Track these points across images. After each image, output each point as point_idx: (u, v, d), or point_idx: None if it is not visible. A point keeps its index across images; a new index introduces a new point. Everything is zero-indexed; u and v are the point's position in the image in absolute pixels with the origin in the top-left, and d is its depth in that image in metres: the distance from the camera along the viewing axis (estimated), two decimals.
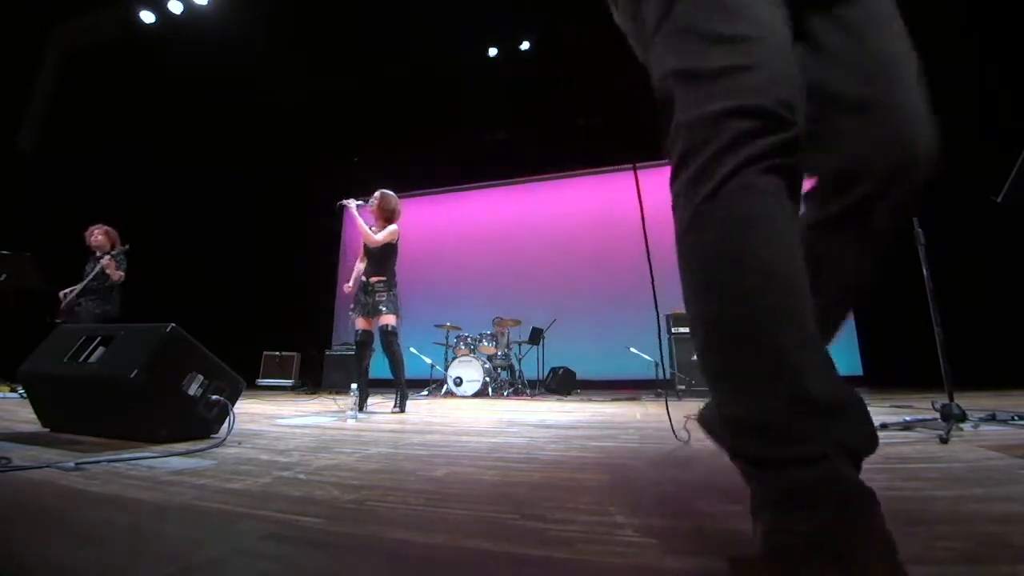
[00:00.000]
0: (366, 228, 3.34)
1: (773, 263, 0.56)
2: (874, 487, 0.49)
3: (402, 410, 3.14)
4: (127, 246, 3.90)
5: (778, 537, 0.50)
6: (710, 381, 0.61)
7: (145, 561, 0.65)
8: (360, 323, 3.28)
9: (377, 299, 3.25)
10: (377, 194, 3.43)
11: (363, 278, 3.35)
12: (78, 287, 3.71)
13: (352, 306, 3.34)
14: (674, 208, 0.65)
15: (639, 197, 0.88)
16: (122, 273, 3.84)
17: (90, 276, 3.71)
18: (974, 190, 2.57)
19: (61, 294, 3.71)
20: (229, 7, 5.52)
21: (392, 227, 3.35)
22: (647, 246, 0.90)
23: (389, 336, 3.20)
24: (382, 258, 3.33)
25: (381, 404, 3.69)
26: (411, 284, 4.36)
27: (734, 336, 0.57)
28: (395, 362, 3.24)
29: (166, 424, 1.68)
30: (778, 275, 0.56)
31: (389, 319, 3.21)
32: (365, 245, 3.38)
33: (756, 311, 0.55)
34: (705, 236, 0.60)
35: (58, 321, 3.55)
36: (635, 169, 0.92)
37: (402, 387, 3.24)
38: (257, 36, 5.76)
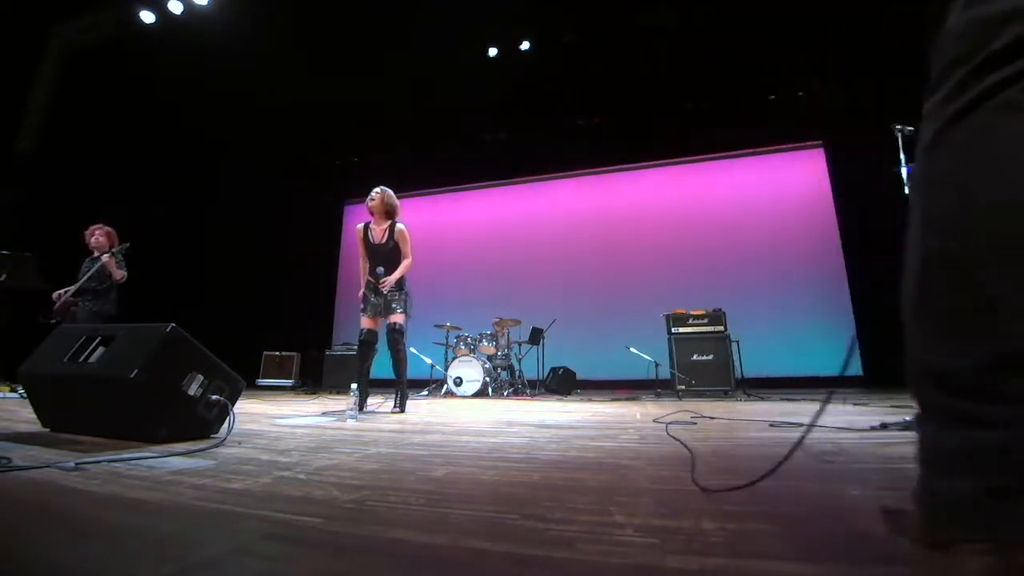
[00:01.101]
0: (402, 271, 3.28)
1: (1016, 198, 0.47)
2: (874, 487, 0.49)
3: (402, 410, 3.15)
4: (127, 244, 3.88)
5: (945, 493, 0.47)
6: (910, 321, 0.54)
7: (145, 561, 0.65)
8: (366, 322, 3.25)
9: (389, 298, 3.25)
10: (378, 191, 3.35)
11: (370, 279, 3.32)
12: (73, 287, 3.70)
13: (362, 306, 3.30)
14: (923, 128, 0.58)
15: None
16: (124, 272, 3.82)
17: (87, 275, 3.69)
18: None
19: (55, 295, 3.70)
20: (229, 7, 5.52)
21: (403, 230, 3.32)
22: None
23: (396, 335, 3.20)
24: (394, 259, 3.28)
25: (380, 404, 3.69)
26: (411, 284, 4.43)
27: (948, 275, 0.50)
28: (399, 361, 3.25)
29: (166, 424, 1.68)
30: (1017, 214, 0.47)
31: (398, 318, 3.21)
32: (370, 246, 3.33)
33: (979, 249, 0.48)
34: (939, 158, 0.52)
35: (54, 321, 3.54)
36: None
37: (403, 387, 3.24)
38: (257, 36, 5.76)
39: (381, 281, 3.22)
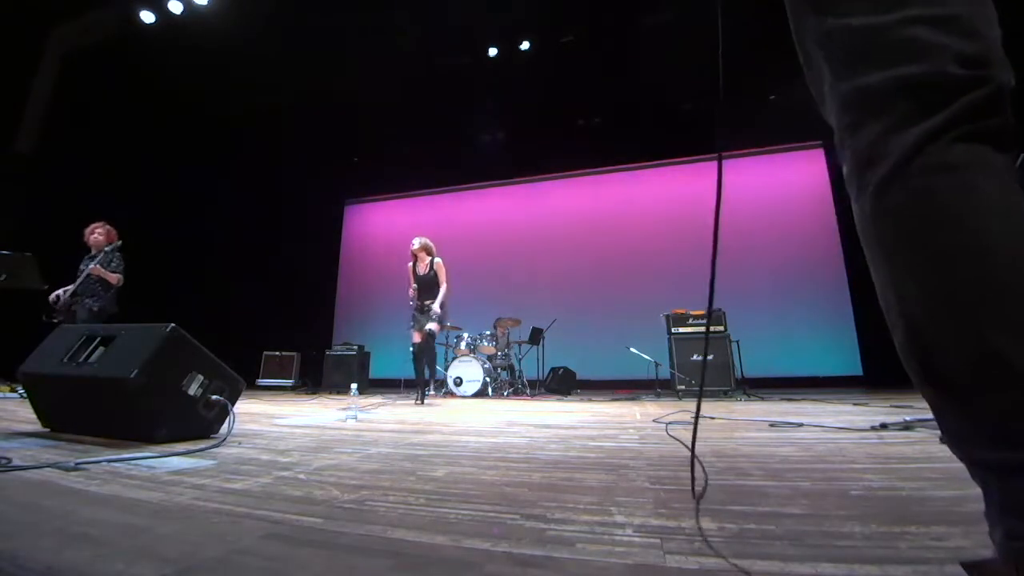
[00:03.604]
0: (441, 297, 4.22)
1: (980, 247, 0.47)
2: (874, 487, 0.49)
3: (421, 402, 3.92)
4: (119, 242, 3.85)
5: (1019, 544, 0.47)
6: (917, 384, 0.54)
7: (145, 561, 0.65)
8: (416, 337, 4.17)
9: (431, 315, 4.17)
10: (417, 239, 4.40)
11: (417, 301, 4.30)
12: (72, 287, 3.68)
13: (411, 324, 4.27)
14: (848, 189, 0.57)
15: (719, 188, 0.78)
16: (120, 275, 3.78)
17: (84, 276, 3.67)
18: None
19: (53, 296, 3.68)
20: (229, 7, 5.51)
21: (440, 263, 4.33)
22: (715, 242, 0.78)
23: (429, 338, 4.17)
24: (433, 285, 4.28)
25: (384, 404, 3.71)
26: (412, 285, 4.64)
27: (941, 339, 0.49)
28: (431, 360, 4.20)
29: (166, 424, 1.68)
30: (990, 261, 0.46)
31: (433, 326, 4.17)
32: (416, 277, 4.34)
33: (965, 311, 0.47)
34: (889, 229, 0.52)
35: (55, 321, 3.53)
36: (720, 159, 0.80)
37: (428, 383, 4.14)
38: (257, 36, 5.75)
39: (426, 308, 4.23)
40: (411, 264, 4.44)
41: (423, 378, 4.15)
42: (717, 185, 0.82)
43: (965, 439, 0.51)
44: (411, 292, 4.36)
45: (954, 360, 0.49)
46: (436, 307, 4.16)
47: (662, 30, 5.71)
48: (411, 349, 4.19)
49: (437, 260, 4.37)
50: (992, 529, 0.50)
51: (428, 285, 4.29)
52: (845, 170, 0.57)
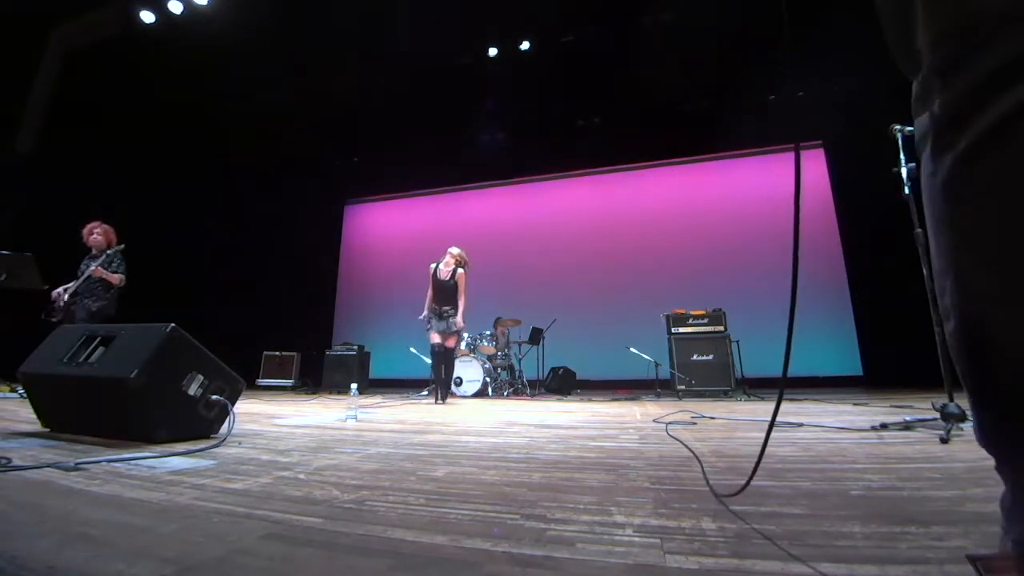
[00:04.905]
0: (462, 309, 4.43)
1: None
2: (874, 487, 0.49)
3: (443, 400, 4.24)
4: (122, 245, 3.84)
5: None
6: (962, 380, 0.50)
7: (145, 561, 0.65)
8: (434, 338, 4.38)
9: (449, 323, 4.39)
10: (457, 249, 4.52)
11: (435, 305, 4.42)
12: (72, 286, 3.67)
13: (428, 325, 4.44)
14: (918, 149, 0.47)
15: (797, 179, 0.67)
16: (122, 276, 3.76)
17: (85, 276, 3.66)
18: None
19: (54, 293, 3.67)
20: (229, 7, 5.51)
21: (463, 274, 4.48)
22: (796, 240, 0.70)
23: (450, 353, 4.50)
24: (451, 293, 4.43)
25: (384, 404, 3.71)
26: (412, 285, 4.65)
27: (1007, 347, 0.43)
28: (449, 368, 4.53)
29: (166, 424, 1.68)
30: None
31: (452, 342, 4.46)
32: (436, 281, 4.45)
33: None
34: (972, 205, 0.42)
35: (53, 320, 3.52)
36: (797, 149, 0.70)
37: (446, 385, 4.43)
38: (257, 36, 5.75)
39: (447, 315, 4.42)
40: (435, 265, 4.51)
41: (440, 377, 4.37)
42: (796, 175, 0.73)
43: (1003, 443, 0.47)
44: (428, 296, 4.49)
45: (1016, 374, 0.42)
46: (459, 320, 4.38)
47: (662, 30, 5.71)
48: (433, 350, 4.42)
49: (460, 271, 4.51)
50: (1009, 523, 0.48)
51: (446, 291, 4.44)
52: (921, 125, 0.46)
